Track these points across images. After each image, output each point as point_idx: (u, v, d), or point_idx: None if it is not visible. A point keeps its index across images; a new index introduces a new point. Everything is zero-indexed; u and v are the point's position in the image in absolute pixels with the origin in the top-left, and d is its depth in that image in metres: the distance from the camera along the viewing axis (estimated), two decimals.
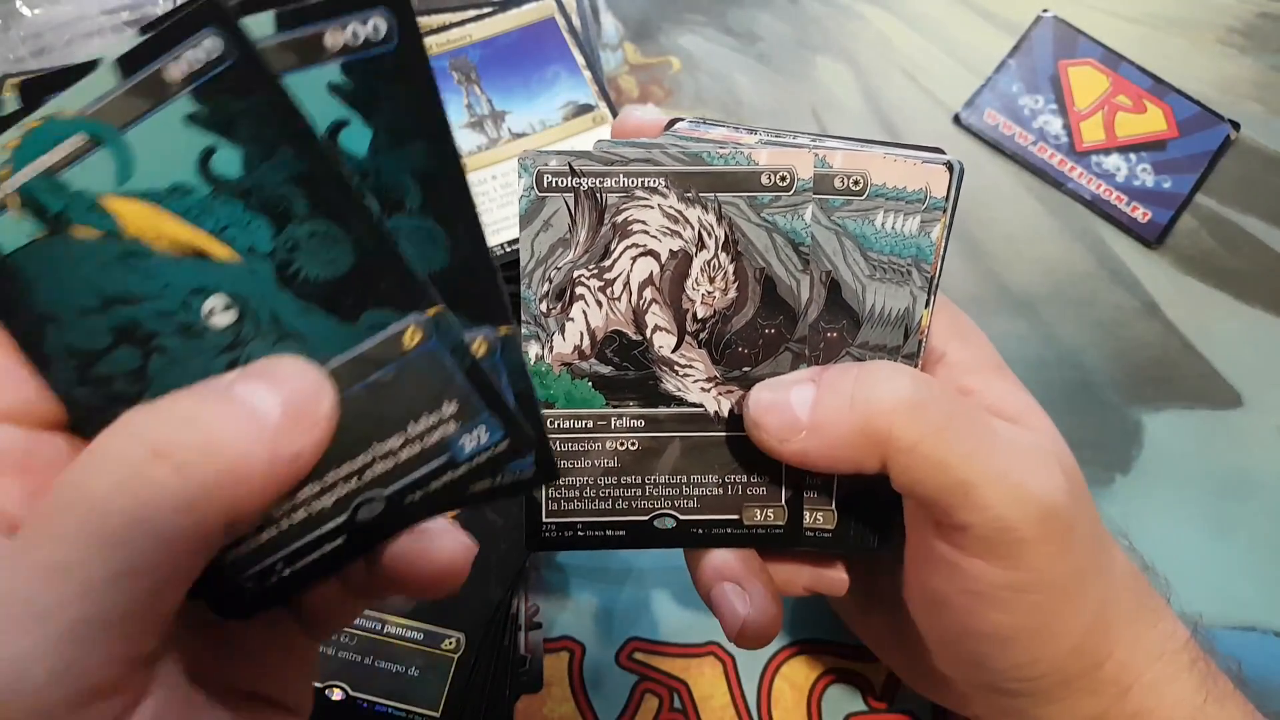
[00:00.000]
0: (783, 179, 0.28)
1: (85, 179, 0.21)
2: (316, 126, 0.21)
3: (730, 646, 0.41)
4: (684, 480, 0.30)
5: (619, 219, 0.28)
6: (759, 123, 0.54)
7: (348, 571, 0.24)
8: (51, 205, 0.21)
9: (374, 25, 0.21)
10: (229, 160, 0.21)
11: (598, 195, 0.28)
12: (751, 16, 0.58)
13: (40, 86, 0.21)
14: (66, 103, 0.21)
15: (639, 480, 0.30)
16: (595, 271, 0.28)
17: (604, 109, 0.49)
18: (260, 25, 0.21)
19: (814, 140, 0.29)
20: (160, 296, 0.22)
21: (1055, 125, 0.53)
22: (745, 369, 0.29)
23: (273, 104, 0.21)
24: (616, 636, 0.42)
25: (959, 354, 0.30)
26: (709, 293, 0.28)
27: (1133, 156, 0.52)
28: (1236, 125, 0.53)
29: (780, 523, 0.30)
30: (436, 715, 0.38)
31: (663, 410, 0.29)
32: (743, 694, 0.40)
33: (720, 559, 0.30)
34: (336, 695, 0.38)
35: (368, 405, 0.22)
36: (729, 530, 0.30)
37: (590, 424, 0.29)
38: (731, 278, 0.28)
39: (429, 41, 0.51)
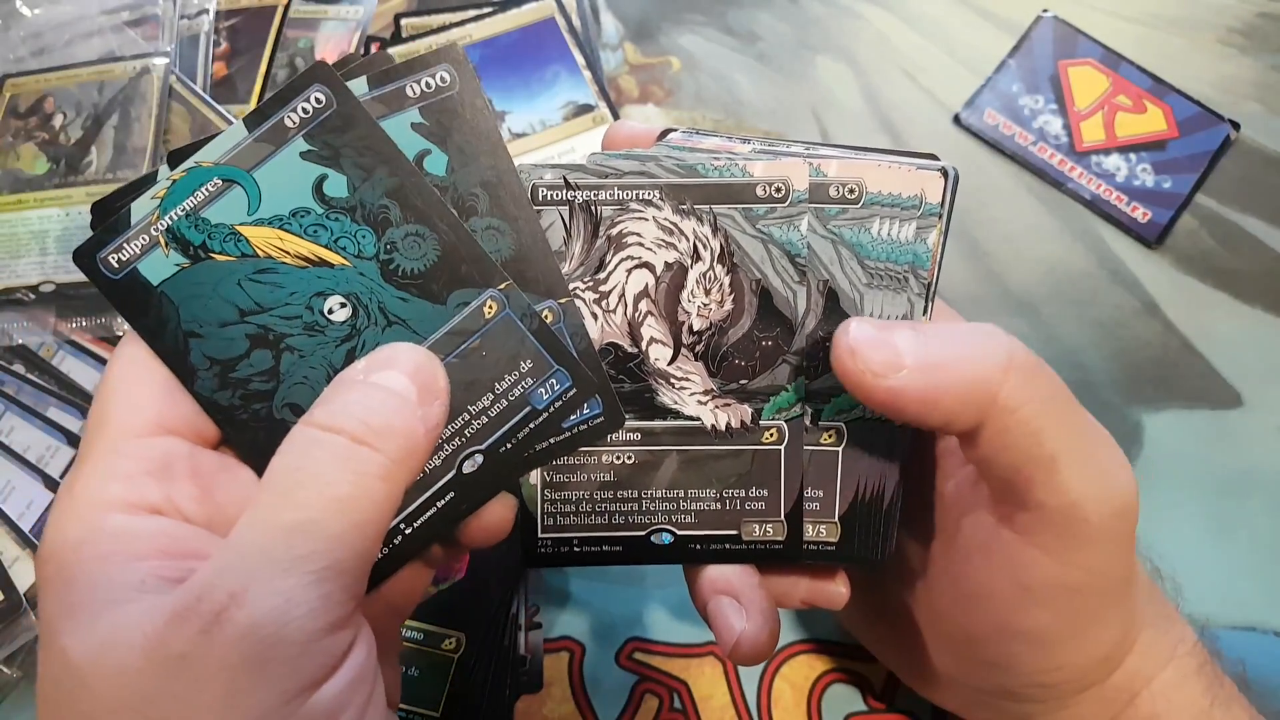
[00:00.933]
0: (778, 190, 0.28)
1: (222, 213, 0.26)
2: (405, 154, 0.27)
3: None
4: (681, 495, 0.29)
5: (613, 231, 0.28)
6: (759, 123, 0.55)
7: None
8: (194, 238, 0.26)
9: (440, 76, 0.27)
10: (337, 184, 0.26)
11: (592, 208, 0.28)
12: (751, 16, 0.58)
13: (179, 155, 0.26)
14: (205, 155, 0.26)
15: (635, 495, 0.29)
16: (590, 284, 0.28)
17: (604, 109, 0.49)
18: (356, 86, 0.27)
19: (808, 149, 0.29)
20: (288, 303, 0.27)
21: (1055, 125, 0.53)
22: (742, 381, 0.29)
23: (368, 136, 0.26)
24: (616, 636, 0.42)
25: None
26: (705, 305, 0.28)
27: (1133, 156, 0.52)
28: (1236, 125, 0.53)
29: (780, 538, 0.30)
30: (436, 715, 0.38)
31: (659, 423, 0.29)
32: (743, 694, 0.40)
33: (717, 573, 0.30)
34: None
35: (462, 372, 0.27)
36: (727, 546, 0.30)
37: None
38: (727, 290, 0.28)
39: (429, 41, 0.51)
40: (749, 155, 0.28)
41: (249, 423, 0.27)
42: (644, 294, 0.28)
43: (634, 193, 0.28)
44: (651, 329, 0.29)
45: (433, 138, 0.27)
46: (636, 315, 0.28)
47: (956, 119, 0.54)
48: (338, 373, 0.26)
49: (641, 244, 0.28)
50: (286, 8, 0.53)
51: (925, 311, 0.28)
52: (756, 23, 0.58)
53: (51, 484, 0.43)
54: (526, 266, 0.28)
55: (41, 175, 0.48)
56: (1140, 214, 0.51)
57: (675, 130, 0.31)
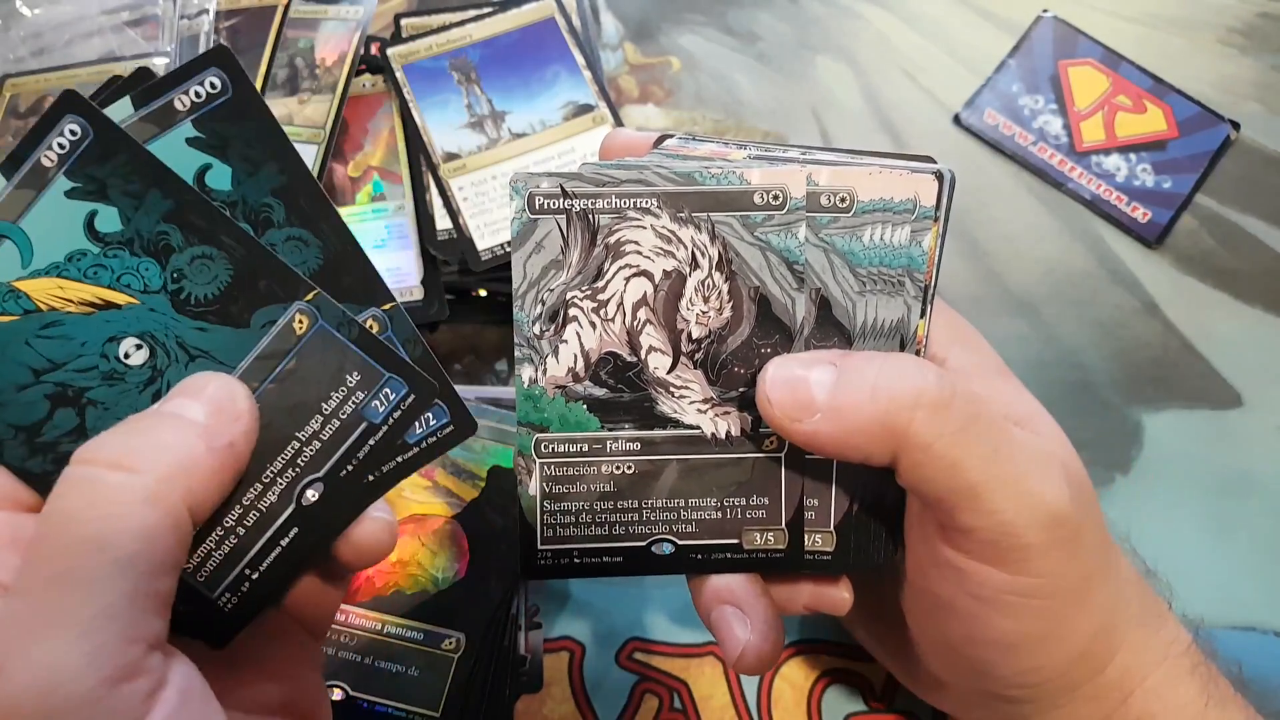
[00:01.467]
0: (775, 198, 0.27)
1: None
2: (182, 175, 0.25)
3: None
4: (682, 504, 0.29)
5: (611, 240, 0.28)
6: (759, 123, 0.55)
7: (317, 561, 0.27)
8: None
9: (210, 82, 0.25)
10: (109, 218, 0.25)
11: (590, 216, 0.28)
12: (751, 16, 0.58)
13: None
14: None
15: (636, 505, 0.29)
16: (589, 293, 0.28)
17: (604, 109, 0.49)
18: (121, 109, 0.25)
19: (804, 154, 0.29)
20: (81, 354, 0.25)
21: (1055, 125, 0.53)
22: (742, 389, 0.29)
23: (133, 160, 0.24)
24: (616, 636, 0.42)
25: (961, 360, 0.30)
26: (703, 312, 0.28)
27: (1133, 156, 0.52)
28: (1236, 125, 0.53)
29: (781, 546, 0.30)
30: (436, 715, 0.38)
31: (659, 432, 0.29)
32: (743, 694, 0.40)
33: (720, 583, 0.30)
34: (336, 695, 0.38)
35: (281, 397, 0.25)
36: (728, 555, 0.30)
37: (585, 448, 0.29)
38: (726, 297, 0.28)
39: (428, 42, 0.51)
40: (744, 162, 0.28)
41: None
42: (642, 302, 0.28)
43: (632, 201, 0.28)
44: (650, 337, 0.28)
45: (212, 150, 0.25)
46: (635, 324, 0.28)
47: (956, 119, 0.54)
48: None
49: (639, 252, 0.28)
50: (286, 8, 0.53)
51: (924, 314, 0.28)
52: (756, 23, 0.58)
53: None
54: (340, 274, 0.26)
55: None
56: (1140, 214, 0.51)
57: (671, 136, 0.31)
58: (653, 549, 0.29)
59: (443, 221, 0.48)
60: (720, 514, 0.29)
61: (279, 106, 0.51)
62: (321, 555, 0.27)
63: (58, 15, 0.54)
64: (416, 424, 0.27)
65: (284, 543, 0.26)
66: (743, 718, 0.40)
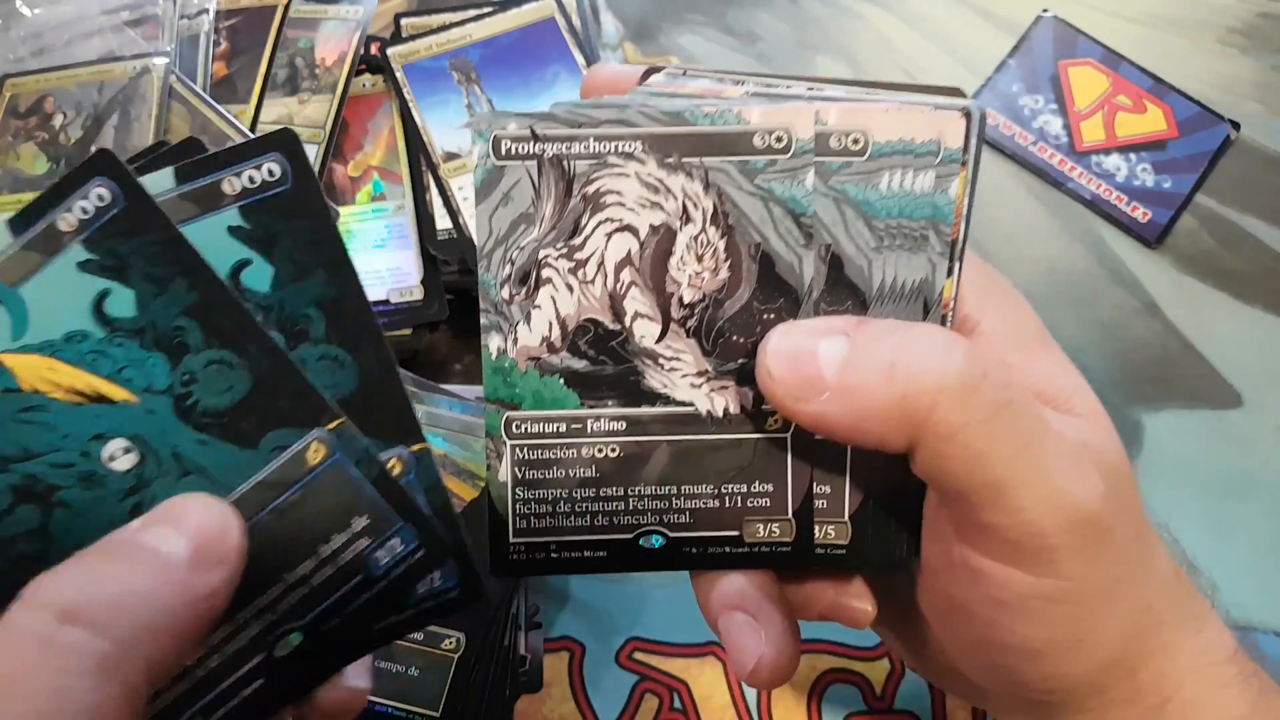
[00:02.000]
0: (779, 140, 0.24)
1: None
2: (217, 267, 0.22)
3: None
4: (673, 491, 0.26)
5: (589, 190, 0.24)
6: None
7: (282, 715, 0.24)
8: None
9: (269, 169, 0.22)
10: (122, 301, 0.22)
11: (564, 163, 0.24)
12: (751, 16, 0.58)
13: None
14: None
15: (621, 492, 0.26)
16: (564, 251, 0.25)
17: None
18: (161, 180, 0.22)
19: (811, 89, 0.25)
20: (59, 448, 0.22)
21: (1055, 125, 0.53)
22: (741, 361, 0.25)
23: (163, 242, 0.21)
24: (616, 636, 0.42)
25: (996, 324, 0.27)
26: (697, 273, 0.25)
27: (1133, 156, 0.52)
28: (1236, 125, 0.53)
29: (787, 539, 0.26)
30: (436, 715, 0.38)
31: (646, 410, 0.26)
32: (743, 694, 0.40)
33: (731, 585, 0.27)
34: None
35: (275, 532, 0.22)
36: (727, 549, 0.26)
37: (562, 428, 0.26)
38: (723, 255, 0.25)
39: (428, 41, 0.51)
40: (742, 99, 0.25)
41: (16, 590, 0.20)
42: (627, 261, 0.25)
43: (612, 144, 0.24)
44: (636, 302, 0.25)
45: (255, 245, 0.22)
46: (619, 287, 0.25)
47: None
48: None
49: (622, 204, 0.25)
50: (286, 7, 0.53)
51: (951, 272, 0.25)
52: (756, 23, 0.58)
53: None
54: (373, 405, 0.23)
55: (41, 175, 0.48)
56: (1140, 214, 0.51)
57: (660, 70, 0.27)
58: (640, 542, 0.26)
59: (443, 221, 0.48)
60: (718, 502, 0.26)
61: (279, 106, 0.51)
62: (285, 710, 0.24)
63: (58, 15, 0.54)
64: (419, 584, 0.24)
65: (245, 693, 0.23)
66: (743, 717, 0.40)
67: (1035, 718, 0.28)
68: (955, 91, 0.25)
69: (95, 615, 0.19)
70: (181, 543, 0.20)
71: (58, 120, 0.50)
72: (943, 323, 0.25)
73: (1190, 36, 0.56)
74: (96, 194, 0.21)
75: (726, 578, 0.27)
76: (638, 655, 0.41)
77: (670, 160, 0.24)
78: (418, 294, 0.47)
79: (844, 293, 0.25)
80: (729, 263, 0.25)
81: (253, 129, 0.50)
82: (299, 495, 0.22)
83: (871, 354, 0.23)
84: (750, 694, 0.40)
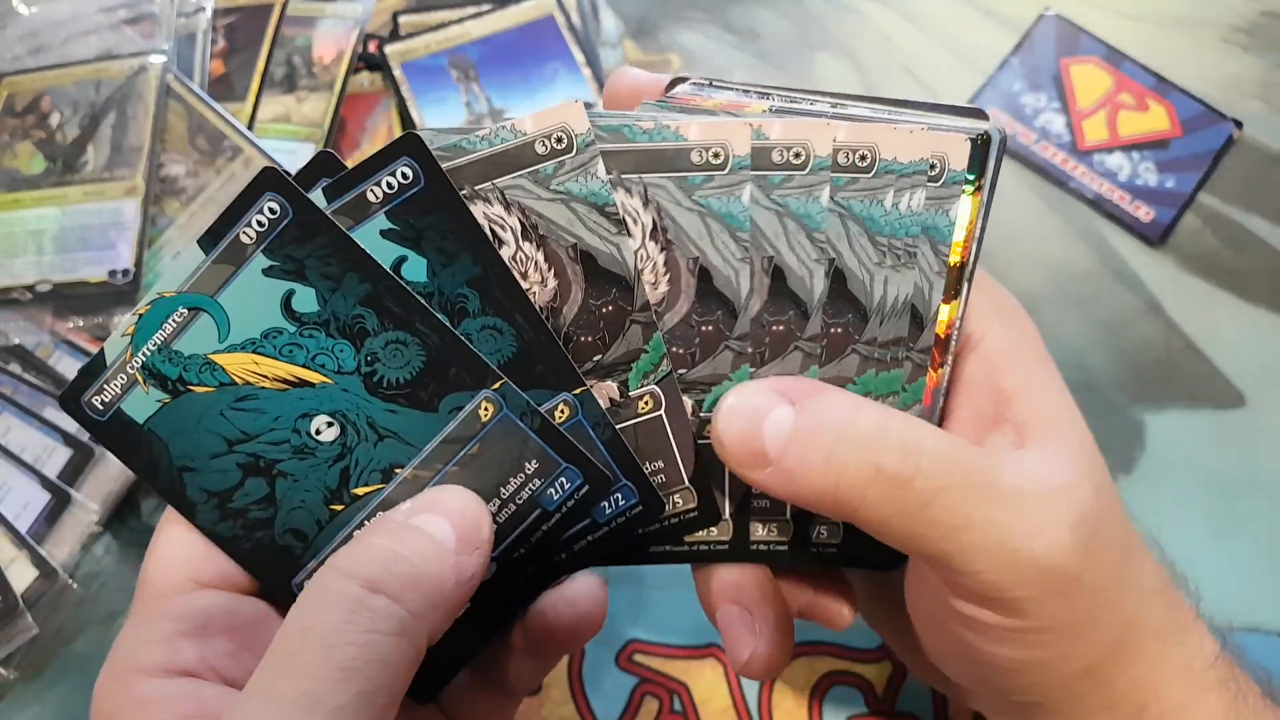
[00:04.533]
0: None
1: (194, 344, 0.25)
2: (375, 258, 0.25)
3: None
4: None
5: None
6: None
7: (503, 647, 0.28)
8: (170, 373, 0.25)
9: (402, 173, 0.24)
10: (305, 299, 0.25)
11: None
12: (752, 14, 0.58)
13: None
14: (165, 284, 0.25)
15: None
16: None
17: (603, 107, 0.49)
18: (316, 199, 0.24)
19: (834, 105, 0.26)
20: (274, 428, 0.25)
21: (1058, 124, 0.53)
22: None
23: (332, 243, 0.24)
24: (616, 638, 0.41)
25: (998, 341, 0.27)
26: (527, 288, 0.26)
27: (1135, 155, 0.52)
28: (1239, 124, 0.52)
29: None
30: None
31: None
32: (743, 696, 0.40)
33: (729, 579, 0.28)
34: None
35: (465, 479, 0.26)
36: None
37: None
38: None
39: (426, 39, 0.51)
40: (682, 116, 0.25)
41: (254, 552, 0.26)
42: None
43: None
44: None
45: (407, 243, 0.25)
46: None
47: None
48: (333, 494, 0.25)
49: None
50: (284, 5, 0.52)
51: (956, 295, 0.25)
52: (757, 20, 0.58)
53: (48, 484, 0.43)
54: (533, 362, 0.26)
55: (38, 174, 0.48)
56: (1143, 213, 0.51)
57: (686, 80, 0.28)
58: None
59: None
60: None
61: (276, 104, 0.50)
62: (494, 633, 0.28)
63: (54, 13, 0.53)
64: (606, 504, 0.27)
65: (456, 617, 0.26)
66: (743, 719, 0.40)
67: (1016, 716, 0.29)
68: (978, 113, 0.25)
69: (395, 589, 0.22)
70: (448, 530, 0.24)
71: (55, 119, 0.49)
72: (947, 345, 0.26)
73: (1193, 35, 0.56)
74: (268, 208, 0.24)
75: (724, 572, 0.28)
76: (637, 657, 0.41)
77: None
78: None
79: (845, 306, 0.26)
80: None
81: (250, 127, 0.50)
82: (477, 448, 0.26)
83: (812, 439, 0.24)
84: (751, 696, 0.40)
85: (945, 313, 0.26)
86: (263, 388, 0.25)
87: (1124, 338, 0.48)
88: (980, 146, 0.24)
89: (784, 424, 0.24)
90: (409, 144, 0.24)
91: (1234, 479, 0.45)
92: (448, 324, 0.25)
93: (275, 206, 0.24)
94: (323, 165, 0.25)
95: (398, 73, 0.50)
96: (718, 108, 0.26)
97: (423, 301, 0.25)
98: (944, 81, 0.55)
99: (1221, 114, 0.53)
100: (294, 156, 0.49)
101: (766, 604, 0.28)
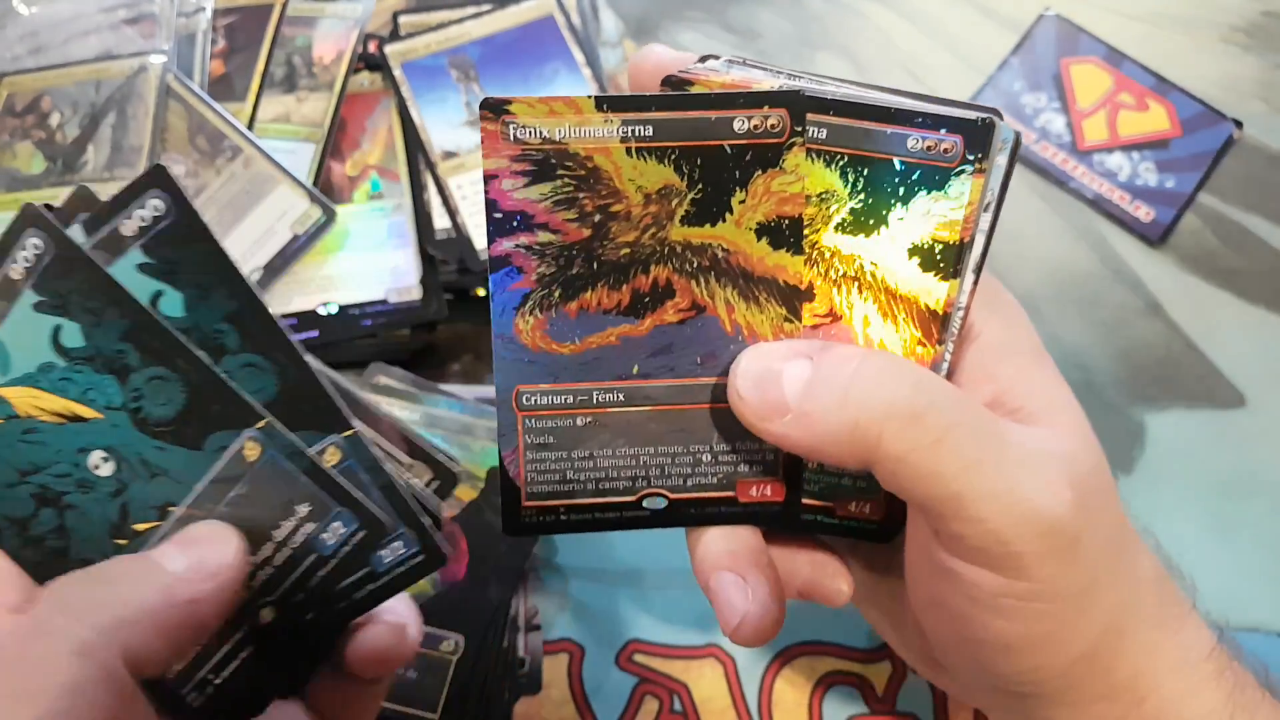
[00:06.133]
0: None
1: None
2: (134, 294, 0.25)
3: (731, 648, 0.41)
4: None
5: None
6: None
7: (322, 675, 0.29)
8: None
9: (153, 205, 0.25)
10: (72, 334, 0.25)
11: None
12: (752, 14, 0.58)
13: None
14: None
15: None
16: None
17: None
18: (75, 234, 0.25)
19: (838, 86, 0.27)
20: (56, 461, 0.26)
21: (1058, 123, 0.53)
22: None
23: (90, 280, 0.25)
24: (616, 638, 0.41)
25: (995, 335, 0.28)
26: None
27: (1135, 155, 0.52)
28: (1239, 124, 0.52)
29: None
30: (435, 717, 0.38)
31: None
32: (743, 696, 0.40)
33: (721, 545, 0.28)
34: None
35: (235, 521, 0.26)
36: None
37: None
38: None
39: (427, 39, 0.51)
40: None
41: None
42: None
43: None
44: None
45: (163, 277, 0.25)
46: None
47: None
48: (117, 528, 0.26)
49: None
50: (284, 5, 0.52)
51: (957, 274, 0.26)
52: (757, 20, 0.58)
53: None
54: (297, 402, 0.26)
55: (38, 174, 0.48)
56: (1143, 213, 0.51)
57: (715, 58, 0.28)
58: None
59: (441, 220, 0.48)
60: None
61: (276, 104, 0.50)
62: (289, 676, 0.28)
63: (55, 13, 0.53)
64: (385, 552, 0.27)
65: (243, 655, 0.27)
66: (743, 719, 0.40)
67: (1018, 712, 0.29)
68: (994, 112, 0.25)
69: (80, 608, 0.23)
70: (180, 557, 0.25)
71: (55, 119, 0.49)
72: (945, 322, 0.27)
73: (1193, 35, 0.56)
74: (32, 244, 0.25)
75: (718, 540, 0.28)
76: (638, 657, 0.41)
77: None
78: (416, 294, 0.47)
79: None
80: None
81: (250, 127, 0.50)
82: (246, 489, 0.26)
83: (829, 381, 0.24)
84: (751, 696, 0.40)
85: (944, 290, 0.26)
86: (44, 421, 0.26)
87: (1124, 338, 0.48)
88: (982, 129, 0.25)
89: (803, 370, 0.25)
90: (156, 176, 0.25)
91: (1234, 479, 0.45)
92: (208, 360, 0.25)
93: (39, 243, 0.25)
94: (81, 200, 0.26)
95: (398, 73, 0.50)
96: (728, 85, 0.26)
97: (180, 337, 0.25)
98: (944, 81, 0.55)
99: (1221, 114, 0.53)
100: (294, 156, 0.49)
101: (759, 570, 0.28)
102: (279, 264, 0.47)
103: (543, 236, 0.26)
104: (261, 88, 0.51)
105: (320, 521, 0.26)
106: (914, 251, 0.26)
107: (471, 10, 0.51)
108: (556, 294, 0.26)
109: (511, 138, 0.25)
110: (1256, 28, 0.56)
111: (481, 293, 0.48)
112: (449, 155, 0.48)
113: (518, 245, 0.26)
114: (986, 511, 0.24)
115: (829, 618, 0.41)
